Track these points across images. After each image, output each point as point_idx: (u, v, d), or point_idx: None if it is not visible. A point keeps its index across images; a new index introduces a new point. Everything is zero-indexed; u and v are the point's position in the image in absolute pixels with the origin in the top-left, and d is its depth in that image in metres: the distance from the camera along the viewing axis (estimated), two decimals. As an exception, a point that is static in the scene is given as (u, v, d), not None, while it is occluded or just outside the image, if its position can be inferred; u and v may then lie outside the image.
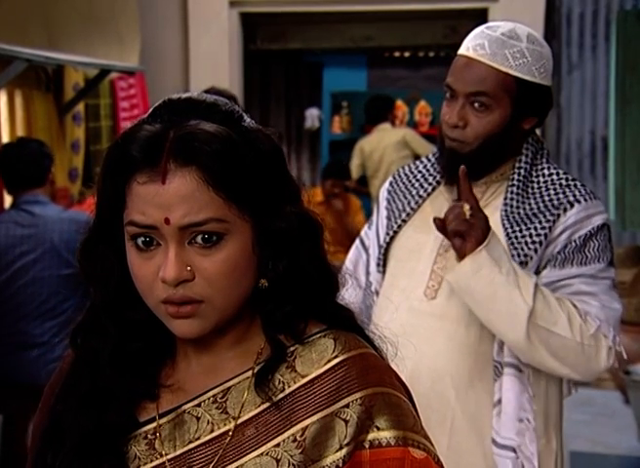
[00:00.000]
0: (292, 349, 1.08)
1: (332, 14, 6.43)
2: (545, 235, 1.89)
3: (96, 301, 1.09)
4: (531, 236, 1.90)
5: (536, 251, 1.89)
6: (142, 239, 1.02)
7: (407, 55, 8.80)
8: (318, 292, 1.10)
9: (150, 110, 1.06)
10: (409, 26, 6.93)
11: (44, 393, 1.18)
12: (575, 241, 1.89)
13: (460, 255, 1.84)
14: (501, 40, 1.90)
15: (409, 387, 1.14)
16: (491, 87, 1.89)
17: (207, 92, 3.65)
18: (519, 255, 1.89)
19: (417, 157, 6.30)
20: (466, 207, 1.83)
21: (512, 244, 1.90)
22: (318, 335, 1.09)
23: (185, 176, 0.99)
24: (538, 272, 1.91)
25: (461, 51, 1.96)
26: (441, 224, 1.86)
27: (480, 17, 5.68)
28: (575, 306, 1.88)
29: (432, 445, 1.06)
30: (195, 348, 1.10)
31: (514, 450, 1.88)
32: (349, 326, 1.12)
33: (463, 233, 1.82)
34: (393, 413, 1.04)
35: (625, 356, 1.96)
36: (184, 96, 1.07)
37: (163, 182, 0.99)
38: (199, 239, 1.00)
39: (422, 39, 7.10)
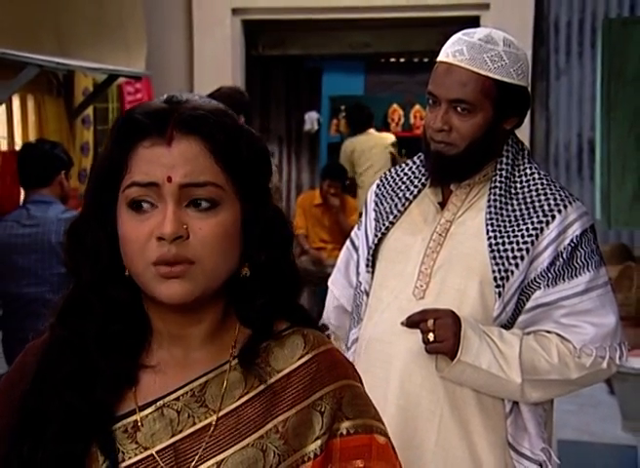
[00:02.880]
0: (264, 345, 1.09)
1: (331, 21, 6.43)
2: (527, 249, 1.88)
3: (82, 280, 1.07)
4: (512, 250, 1.88)
5: (517, 265, 1.88)
6: (139, 202, 1.02)
7: (402, 60, 8.80)
8: (287, 289, 1.11)
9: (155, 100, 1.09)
10: (404, 34, 6.94)
11: (2, 387, 1.13)
12: (561, 255, 1.88)
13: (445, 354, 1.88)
14: (479, 45, 1.89)
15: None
16: (471, 93, 1.88)
17: (217, 90, 3.64)
18: (500, 271, 1.88)
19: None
20: (430, 323, 1.85)
21: (494, 258, 1.89)
22: (287, 332, 1.11)
23: (190, 143, 1.02)
24: (524, 285, 1.89)
25: (441, 57, 1.95)
26: (410, 324, 1.88)
27: (472, 24, 5.67)
28: (567, 340, 1.89)
29: (387, 430, 1.11)
30: (170, 340, 1.09)
31: (540, 465, 1.93)
32: (310, 323, 1.14)
33: (438, 348, 1.86)
34: (360, 404, 1.09)
35: (625, 355, 1.96)
36: (185, 93, 1.10)
37: (169, 145, 1.01)
38: (195, 203, 1.02)
39: (417, 46, 7.12)
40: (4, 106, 4.20)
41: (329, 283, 2.26)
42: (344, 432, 1.06)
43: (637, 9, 5.71)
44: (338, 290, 2.22)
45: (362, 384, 1.13)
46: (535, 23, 5.83)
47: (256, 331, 1.09)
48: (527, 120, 2.06)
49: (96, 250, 1.06)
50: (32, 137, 4.40)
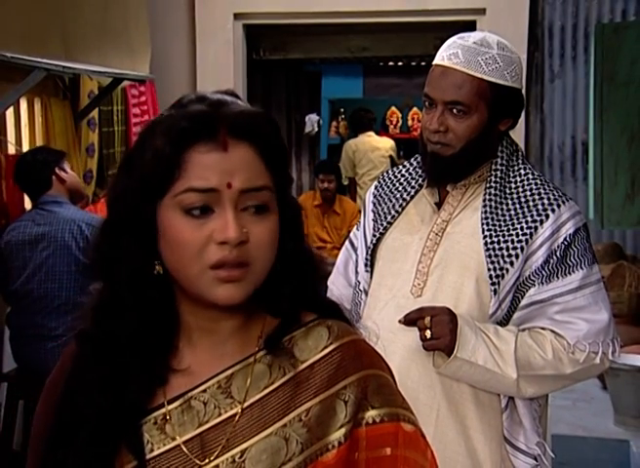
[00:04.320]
0: (289, 337, 1.09)
1: (330, 26, 6.43)
2: (522, 248, 1.88)
3: (116, 280, 1.06)
4: (507, 249, 1.89)
5: (512, 263, 1.88)
6: (196, 208, 1.00)
7: (400, 64, 8.82)
8: (310, 278, 1.12)
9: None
10: (402, 38, 6.94)
11: (46, 388, 1.14)
12: (555, 253, 1.88)
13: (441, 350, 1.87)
14: (474, 48, 1.90)
15: (398, 379, 1.15)
16: (467, 95, 1.89)
17: None
18: (495, 269, 1.89)
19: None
20: (427, 320, 1.84)
21: (490, 256, 1.89)
22: (312, 324, 1.11)
23: (244, 147, 1.02)
24: (519, 283, 1.90)
25: (437, 61, 1.95)
26: (408, 322, 1.88)
27: (468, 29, 5.66)
28: (561, 336, 1.89)
29: (416, 419, 1.10)
30: (199, 333, 1.09)
31: (535, 459, 1.93)
32: (337, 315, 1.14)
33: (435, 345, 1.86)
34: (385, 393, 1.08)
35: (618, 351, 1.96)
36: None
37: (225, 150, 1.00)
38: (250, 207, 1.02)
39: (414, 50, 7.12)
40: (12, 109, 4.20)
41: (328, 282, 2.26)
42: (370, 421, 1.05)
43: (628, 14, 5.71)
44: (337, 289, 2.22)
45: (390, 373, 1.12)
46: (529, 28, 5.83)
47: (284, 320, 1.09)
48: (522, 122, 2.06)
49: (133, 251, 1.05)
50: (39, 139, 4.41)
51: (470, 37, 1.94)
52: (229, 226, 0.99)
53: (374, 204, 2.13)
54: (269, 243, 1.03)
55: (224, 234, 0.99)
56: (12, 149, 4.23)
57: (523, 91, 2.00)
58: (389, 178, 2.14)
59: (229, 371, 1.08)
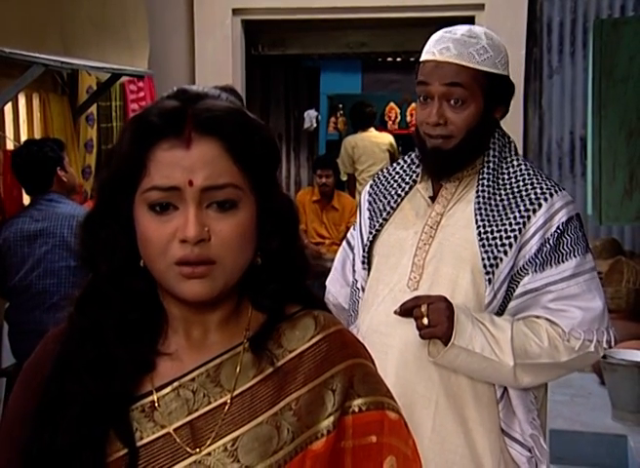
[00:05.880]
0: (276, 327, 1.10)
1: (329, 21, 6.44)
2: (515, 237, 1.89)
3: (99, 272, 1.07)
4: (501, 238, 1.89)
5: (505, 253, 1.88)
6: (161, 205, 1.01)
7: (399, 60, 8.81)
8: (297, 274, 1.12)
9: (164, 95, 1.07)
10: (400, 33, 6.95)
11: (24, 371, 1.14)
12: (548, 241, 1.89)
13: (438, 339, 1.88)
14: (464, 40, 1.92)
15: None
16: (465, 79, 1.90)
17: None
18: (489, 258, 1.89)
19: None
20: (423, 308, 1.85)
21: (484, 246, 1.90)
22: (298, 314, 1.12)
23: (208, 144, 1.01)
24: (513, 273, 1.90)
25: (427, 56, 1.95)
26: (404, 311, 1.88)
27: (467, 25, 5.67)
28: (556, 324, 1.89)
29: (400, 408, 1.12)
30: (186, 324, 1.09)
31: (530, 450, 1.93)
32: (320, 306, 1.16)
33: (432, 332, 1.86)
34: (371, 381, 1.10)
35: (613, 340, 1.97)
36: (194, 86, 1.09)
37: (188, 148, 1.00)
38: (215, 204, 1.01)
39: (413, 45, 7.09)
40: (10, 104, 4.20)
41: (326, 282, 2.27)
42: (356, 409, 1.07)
43: (627, 10, 5.71)
44: (335, 288, 2.23)
45: (373, 363, 1.13)
46: (528, 24, 5.84)
47: (269, 317, 1.10)
48: (520, 118, 2.08)
49: (112, 243, 1.06)
50: (37, 135, 4.41)
51: (458, 30, 1.95)
52: (189, 224, 1.00)
53: (369, 202, 2.14)
54: (237, 239, 1.02)
55: (184, 232, 1.00)
56: (10, 145, 4.23)
57: (520, 86, 2.01)
58: (384, 176, 2.15)
59: (218, 361, 1.08)
